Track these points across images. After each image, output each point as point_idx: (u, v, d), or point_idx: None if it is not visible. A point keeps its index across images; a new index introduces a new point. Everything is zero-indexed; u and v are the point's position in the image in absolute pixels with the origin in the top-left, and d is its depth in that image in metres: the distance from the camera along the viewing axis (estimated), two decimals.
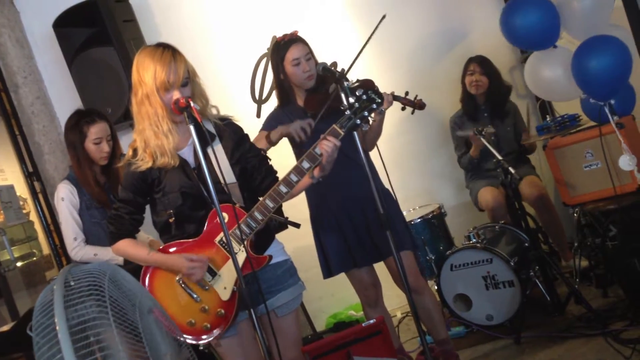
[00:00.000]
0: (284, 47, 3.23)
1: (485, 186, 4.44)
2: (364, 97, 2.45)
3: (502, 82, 4.59)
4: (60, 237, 4.33)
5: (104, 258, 3.22)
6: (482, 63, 4.52)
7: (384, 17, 3.20)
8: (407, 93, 3.39)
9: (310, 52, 3.26)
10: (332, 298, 4.70)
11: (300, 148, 3.32)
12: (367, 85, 3.23)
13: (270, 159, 2.69)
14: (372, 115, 2.51)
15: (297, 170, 2.42)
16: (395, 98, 3.36)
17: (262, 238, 2.53)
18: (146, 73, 2.35)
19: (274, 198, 2.41)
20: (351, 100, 2.46)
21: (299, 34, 3.29)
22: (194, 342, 2.41)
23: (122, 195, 2.52)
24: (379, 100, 2.47)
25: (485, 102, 4.56)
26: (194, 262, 2.39)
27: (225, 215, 2.38)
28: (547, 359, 3.34)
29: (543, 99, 4.88)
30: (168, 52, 2.38)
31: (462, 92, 4.62)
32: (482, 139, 4.01)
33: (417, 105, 3.44)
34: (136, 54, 2.44)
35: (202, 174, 2.33)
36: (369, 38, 3.25)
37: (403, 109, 3.46)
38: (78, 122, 3.31)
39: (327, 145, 2.40)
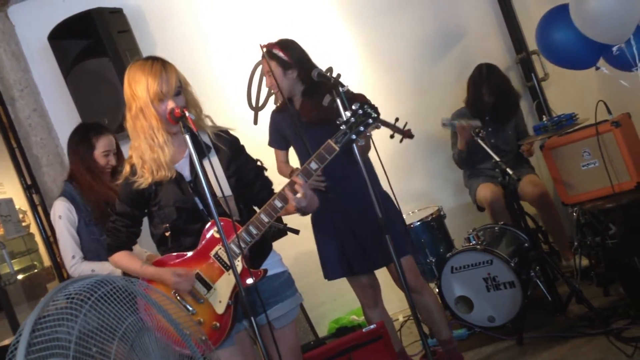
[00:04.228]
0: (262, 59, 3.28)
1: (483, 182, 4.43)
2: (360, 111, 2.39)
3: (510, 93, 4.48)
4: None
5: (102, 274, 3.21)
6: (490, 81, 4.40)
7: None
8: (397, 119, 3.33)
9: (280, 64, 3.19)
10: (334, 303, 4.70)
11: (302, 156, 3.34)
12: (359, 99, 3.19)
13: (266, 169, 2.69)
14: (369, 129, 2.46)
15: (292, 185, 2.37)
16: (384, 123, 3.32)
17: (259, 250, 2.52)
18: (138, 86, 2.35)
19: (269, 213, 2.38)
20: (347, 114, 2.41)
21: (274, 44, 3.24)
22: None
23: (119, 209, 2.52)
24: (375, 115, 2.41)
25: (491, 107, 4.50)
26: (180, 276, 2.39)
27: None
28: (549, 359, 3.34)
29: (539, 100, 4.88)
30: (158, 63, 2.37)
31: (468, 94, 4.52)
32: (480, 141, 4.00)
33: (406, 134, 3.40)
34: (126, 69, 2.43)
35: (198, 186, 2.32)
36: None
37: (392, 136, 3.41)
38: (87, 134, 3.30)
39: (296, 191, 2.33)
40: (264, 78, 4.69)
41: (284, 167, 3.50)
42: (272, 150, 3.53)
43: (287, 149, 3.48)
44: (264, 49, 3.17)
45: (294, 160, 3.49)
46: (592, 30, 3.61)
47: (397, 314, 4.60)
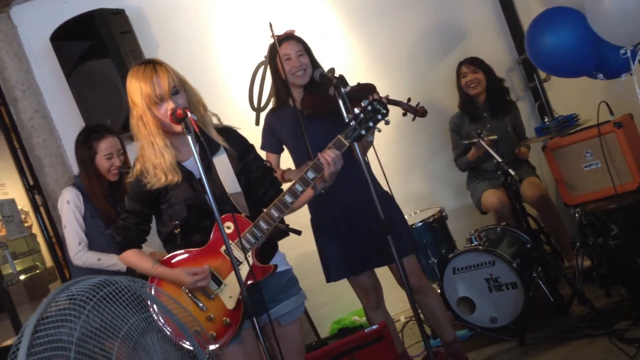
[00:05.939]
0: (278, 43, 3.29)
1: (488, 189, 4.43)
2: (369, 107, 2.42)
3: (496, 76, 4.57)
4: (62, 249, 4.34)
5: (108, 263, 3.23)
6: (473, 62, 4.51)
7: None
8: (409, 99, 3.37)
9: (305, 50, 3.27)
10: (336, 304, 4.70)
11: (299, 154, 3.33)
12: (367, 89, 3.21)
13: (275, 171, 2.70)
14: (378, 126, 2.49)
15: (303, 180, 2.42)
16: (397, 103, 3.34)
17: (267, 247, 2.54)
18: (134, 94, 2.38)
19: (279, 208, 2.41)
20: (356, 110, 2.43)
21: (295, 33, 3.32)
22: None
23: (129, 206, 2.53)
24: (385, 111, 2.44)
25: (485, 101, 4.52)
26: (197, 275, 2.40)
27: (230, 225, 2.39)
28: None
29: (541, 100, 4.88)
30: (149, 67, 2.38)
31: (460, 97, 4.58)
32: (483, 143, 3.99)
33: (419, 112, 3.42)
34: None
35: (204, 184, 2.33)
36: None
37: (404, 114, 3.45)
38: (87, 139, 3.33)
39: (329, 157, 2.40)
40: (266, 78, 4.73)
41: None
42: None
43: (279, 153, 3.46)
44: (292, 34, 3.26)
45: (287, 163, 3.49)
46: (606, 30, 3.58)
47: (398, 315, 4.60)
